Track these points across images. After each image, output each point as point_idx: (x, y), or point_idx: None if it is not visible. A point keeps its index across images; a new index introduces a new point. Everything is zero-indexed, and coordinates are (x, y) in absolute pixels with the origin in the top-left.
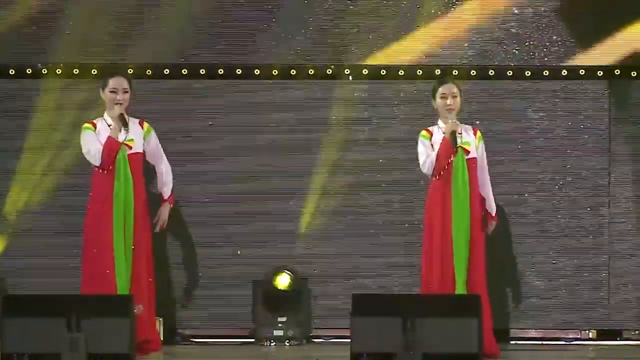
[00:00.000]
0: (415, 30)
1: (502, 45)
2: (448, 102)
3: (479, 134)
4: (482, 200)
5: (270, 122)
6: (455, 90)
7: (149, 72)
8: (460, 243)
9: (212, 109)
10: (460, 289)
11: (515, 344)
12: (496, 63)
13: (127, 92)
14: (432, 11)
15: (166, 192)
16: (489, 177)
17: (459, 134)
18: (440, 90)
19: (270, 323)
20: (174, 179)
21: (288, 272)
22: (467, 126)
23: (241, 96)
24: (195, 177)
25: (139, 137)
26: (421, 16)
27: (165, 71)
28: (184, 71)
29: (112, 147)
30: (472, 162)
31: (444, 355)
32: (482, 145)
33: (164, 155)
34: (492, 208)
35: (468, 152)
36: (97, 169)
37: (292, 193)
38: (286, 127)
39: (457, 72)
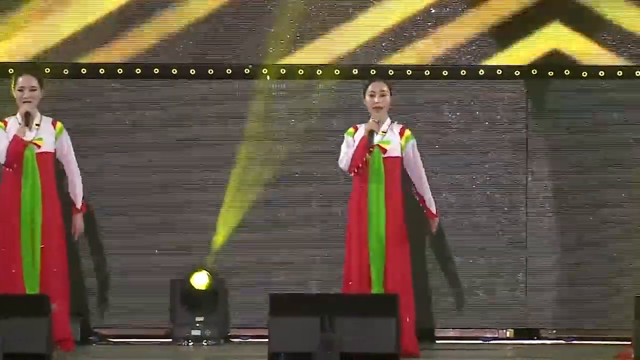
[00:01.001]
0: (334, 30)
1: (420, 44)
2: (376, 100)
3: (407, 133)
4: (422, 199)
5: (192, 116)
6: (384, 88)
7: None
8: (374, 241)
9: (134, 105)
10: (376, 288)
11: (437, 343)
12: (414, 62)
13: (34, 90)
14: (351, 11)
15: (77, 201)
16: (424, 175)
17: (383, 132)
18: (370, 88)
19: (188, 323)
20: (91, 174)
21: (206, 271)
22: (396, 125)
23: (160, 93)
24: (112, 169)
25: (50, 136)
26: (338, 16)
27: (64, 71)
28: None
29: (16, 146)
30: (389, 161)
31: (362, 354)
32: (411, 145)
33: (75, 161)
34: (431, 206)
35: (385, 151)
36: (4, 167)
37: (210, 187)
38: (206, 121)
39: (374, 71)
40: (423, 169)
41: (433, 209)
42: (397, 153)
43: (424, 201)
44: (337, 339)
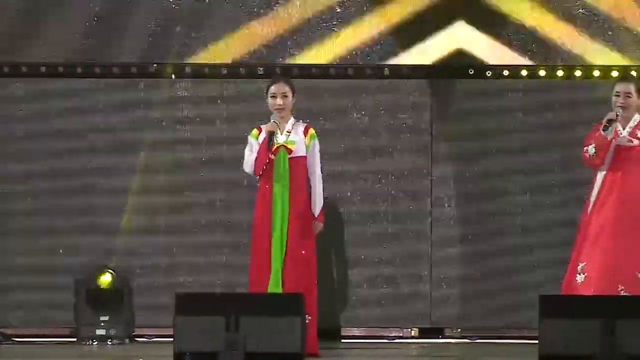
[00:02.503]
0: (240, 29)
1: (326, 44)
2: (278, 101)
3: (311, 132)
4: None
5: (95, 121)
6: (286, 89)
7: None
8: (277, 242)
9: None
10: (273, 287)
11: (341, 342)
12: (319, 62)
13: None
14: (255, 10)
15: None
16: (319, 177)
17: (287, 132)
18: (272, 89)
19: (92, 322)
20: None
21: (110, 270)
22: (300, 124)
23: (64, 97)
24: (21, 174)
25: None
26: (245, 15)
27: None
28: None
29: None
30: (295, 161)
31: (267, 354)
32: (313, 144)
33: None
34: (316, 209)
35: (290, 151)
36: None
37: (116, 190)
38: (111, 127)
39: (279, 70)
40: (320, 172)
41: (316, 212)
42: (303, 152)
43: (311, 204)
44: (242, 338)
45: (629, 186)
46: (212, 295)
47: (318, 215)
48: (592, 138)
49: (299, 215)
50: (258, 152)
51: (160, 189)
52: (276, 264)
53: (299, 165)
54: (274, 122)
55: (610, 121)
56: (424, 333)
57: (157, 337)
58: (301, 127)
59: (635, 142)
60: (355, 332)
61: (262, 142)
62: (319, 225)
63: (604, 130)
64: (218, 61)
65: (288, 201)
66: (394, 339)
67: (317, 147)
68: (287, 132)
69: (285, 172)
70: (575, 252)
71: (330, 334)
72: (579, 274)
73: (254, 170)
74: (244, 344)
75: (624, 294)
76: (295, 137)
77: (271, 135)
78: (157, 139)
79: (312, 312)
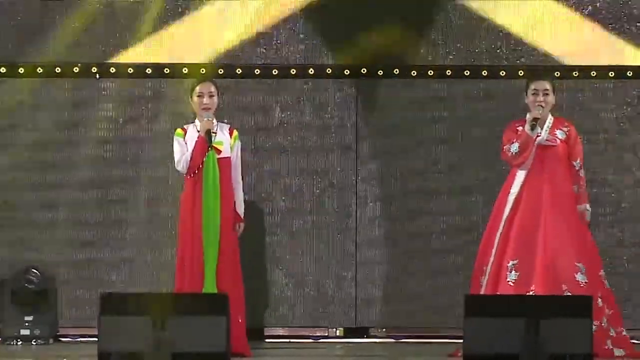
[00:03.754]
0: (164, 29)
1: (251, 43)
2: (205, 100)
3: (235, 133)
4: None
5: (22, 120)
6: (212, 89)
7: None
8: (209, 242)
9: None
10: (209, 288)
11: (267, 342)
12: (243, 62)
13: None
14: (180, 10)
15: None
16: (241, 178)
17: (214, 132)
18: (198, 89)
19: (17, 322)
20: None
21: (35, 270)
22: (224, 125)
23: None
24: None
25: None
26: (170, 15)
27: None
28: None
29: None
30: (224, 162)
31: (193, 354)
32: (237, 145)
33: None
34: (240, 210)
35: (220, 152)
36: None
37: (40, 186)
38: (37, 125)
39: (204, 70)
40: (240, 174)
41: (241, 213)
42: (229, 153)
43: (234, 204)
44: (167, 338)
45: (557, 186)
46: (138, 295)
47: (241, 217)
48: (514, 136)
49: (229, 216)
50: (193, 152)
51: (85, 186)
52: (210, 265)
53: (226, 165)
54: (209, 120)
55: (535, 120)
56: (348, 333)
57: (81, 337)
58: (226, 128)
59: (556, 141)
60: (280, 331)
61: (198, 140)
62: (242, 226)
63: (531, 130)
64: (142, 61)
65: (219, 202)
66: (319, 339)
67: (240, 149)
68: (214, 132)
69: (215, 172)
70: (485, 250)
71: (255, 333)
72: (510, 272)
73: (189, 170)
74: (169, 344)
75: (568, 293)
76: (222, 138)
77: (208, 133)
78: (83, 137)
79: (241, 312)
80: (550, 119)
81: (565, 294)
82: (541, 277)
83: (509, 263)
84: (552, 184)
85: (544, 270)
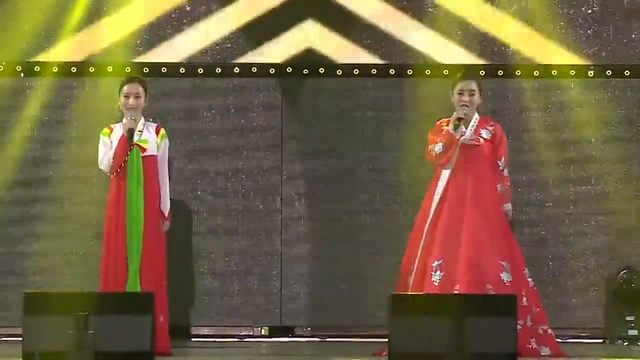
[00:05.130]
0: (90, 28)
1: (176, 41)
2: (130, 101)
3: (162, 132)
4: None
5: None
6: (139, 89)
7: None
8: (133, 240)
9: None
10: (133, 287)
11: (193, 341)
12: (167, 60)
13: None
14: (105, 9)
15: None
16: (167, 177)
17: (139, 131)
18: (125, 89)
19: None
20: None
21: None
22: (151, 124)
23: None
24: None
25: None
26: (95, 14)
27: None
28: None
29: None
30: (148, 160)
31: (117, 353)
32: (164, 144)
33: None
34: (165, 208)
35: (144, 150)
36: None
37: None
38: None
39: (129, 69)
40: (167, 173)
41: (166, 211)
42: (154, 152)
43: (159, 203)
44: (91, 338)
45: (480, 185)
46: (62, 294)
47: (167, 215)
48: (438, 136)
49: (153, 214)
50: (116, 150)
51: (9, 185)
52: (134, 264)
53: (151, 164)
54: (131, 119)
55: (459, 120)
56: (274, 331)
57: (6, 337)
58: (153, 127)
59: (480, 140)
60: (206, 330)
61: (120, 140)
62: (167, 224)
63: (454, 130)
64: (69, 59)
65: (142, 200)
66: (244, 338)
67: (167, 148)
68: (139, 131)
69: (139, 170)
70: (412, 249)
71: (181, 332)
72: (435, 271)
73: (111, 168)
74: (93, 343)
75: (493, 292)
76: (148, 136)
77: (130, 132)
78: (7, 138)
79: (164, 310)
80: (476, 118)
81: (489, 293)
82: (465, 276)
83: (434, 263)
84: (475, 183)
85: (468, 270)
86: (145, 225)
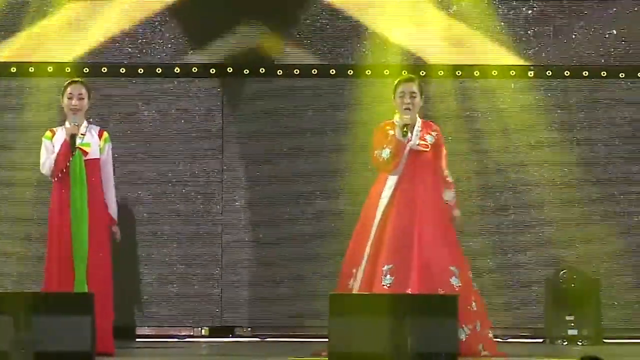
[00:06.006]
0: (31, 28)
1: (116, 42)
2: (74, 102)
3: (105, 135)
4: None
5: None
6: (83, 91)
7: None
8: (78, 243)
9: None
10: (79, 288)
11: (135, 341)
12: (109, 61)
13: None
14: (45, 9)
15: None
16: (112, 180)
17: (82, 134)
18: (68, 90)
19: None
20: None
21: None
22: (94, 126)
23: None
24: None
25: None
26: (38, 14)
27: None
28: None
29: None
30: (91, 163)
31: (57, 353)
32: (108, 147)
33: None
34: (113, 212)
35: (86, 153)
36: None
37: None
38: None
39: (69, 69)
40: (112, 176)
41: (114, 215)
42: (97, 155)
43: (107, 207)
44: (31, 338)
45: (428, 190)
46: (1, 294)
47: (113, 219)
48: (384, 141)
49: (97, 217)
50: (57, 155)
51: None
52: (80, 267)
53: (94, 167)
54: (75, 124)
55: (406, 125)
56: (214, 332)
57: None
58: (96, 130)
59: (428, 146)
60: (147, 331)
61: (62, 144)
62: (117, 229)
63: (402, 136)
64: (6, 60)
65: (86, 203)
66: (185, 338)
67: (110, 151)
68: (82, 134)
69: (82, 174)
70: (353, 253)
71: (125, 332)
72: (385, 275)
73: (52, 172)
74: (33, 344)
75: None
76: (91, 140)
77: (73, 137)
78: None
79: (108, 311)
80: (419, 122)
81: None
82: (417, 281)
83: (383, 267)
84: (423, 189)
85: (420, 275)
86: (90, 227)
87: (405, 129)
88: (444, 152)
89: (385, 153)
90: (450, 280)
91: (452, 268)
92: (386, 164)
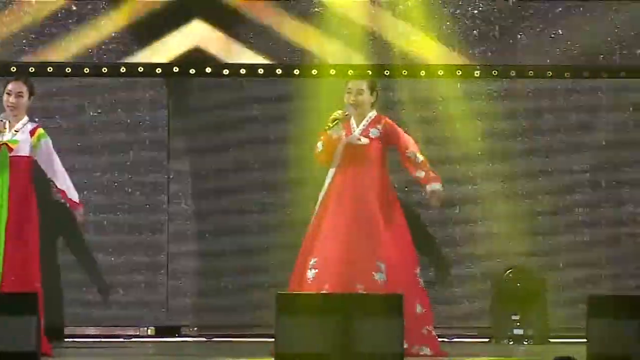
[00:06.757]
0: None
1: (62, 41)
2: (11, 99)
3: (39, 132)
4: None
5: None
6: (23, 89)
7: None
8: None
9: None
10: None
11: (73, 341)
12: (54, 60)
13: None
14: None
15: None
16: (63, 171)
17: (15, 131)
18: (8, 87)
19: None
20: None
21: None
22: (30, 124)
23: None
24: None
25: None
26: None
27: None
28: None
29: None
30: (16, 160)
31: (3, 353)
32: (43, 143)
33: None
34: (73, 196)
35: (11, 150)
36: None
37: None
38: None
39: (14, 69)
40: (62, 167)
41: (75, 199)
42: (25, 152)
43: (65, 194)
44: None
45: (361, 186)
46: None
47: (76, 203)
48: (324, 135)
49: (22, 215)
50: None
51: None
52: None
53: (19, 164)
54: (1, 120)
55: (334, 120)
56: (160, 332)
57: None
58: (30, 127)
59: (365, 140)
60: (92, 331)
61: None
62: (81, 210)
63: (329, 128)
64: None
65: (7, 199)
66: (131, 338)
67: (50, 146)
68: (16, 131)
69: (5, 170)
70: (304, 248)
71: (57, 333)
72: (310, 269)
73: None
74: None
75: (362, 292)
76: (21, 137)
77: None
78: None
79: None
80: (369, 117)
81: (359, 293)
82: (333, 275)
83: (311, 261)
84: (357, 183)
85: (337, 269)
86: (10, 226)
87: (331, 123)
88: (403, 137)
89: (320, 145)
90: (373, 275)
91: (378, 263)
92: (317, 156)
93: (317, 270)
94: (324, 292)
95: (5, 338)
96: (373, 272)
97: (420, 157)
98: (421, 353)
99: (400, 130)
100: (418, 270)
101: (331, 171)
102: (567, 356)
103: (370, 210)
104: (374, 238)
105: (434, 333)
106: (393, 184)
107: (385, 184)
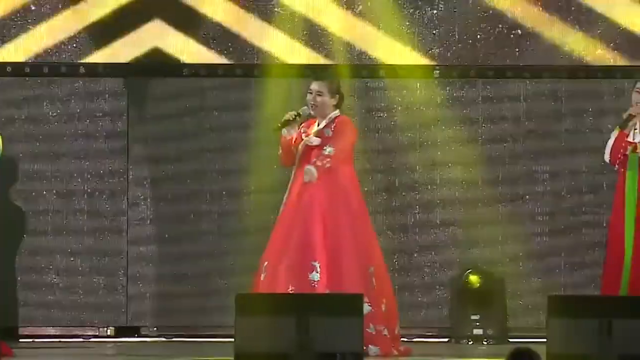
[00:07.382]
0: None
1: (21, 41)
2: None
3: None
4: None
5: None
6: None
7: None
8: None
9: None
10: None
11: (32, 342)
12: (12, 60)
13: None
14: None
15: None
16: None
17: None
18: None
19: None
20: None
21: None
22: None
23: None
24: None
25: None
26: None
27: None
28: None
29: None
30: None
31: None
32: None
33: None
34: None
35: None
36: None
37: None
38: None
39: None
40: None
41: None
42: None
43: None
44: None
45: (308, 187)
46: None
47: None
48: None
49: None
50: None
51: None
52: None
53: None
54: None
55: (286, 121)
56: (119, 332)
57: None
58: None
59: (315, 140)
60: (52, 331)
61: None
62: None
63: (277, 130)
64: None
65: None
66: (90, 338)
67: None
68: None
69: None
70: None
71: (11, 333)
72: (264, 272)
73: None
74: None
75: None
76: None
77: None
78: None
79: None
80: (328, 118)
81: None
82: (283, 277)
83: (264, 264)
84: (316, 185)
85: (279, 272)
86: None
87: (280, 124)
88: (340, 137)
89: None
90: (308, 275)
91: (314, 263)
92: (279, 158)
93: (267, 273)
94: (281, 292)
95: None
96: (308, 273)
97: (328, 151)
98: (370, 354)
99: (348, 130)
100: (372, 270)
101: (292, 173)
102: (526, 347)
103: (310, 209)
104: (313, 238)
105: (385, 332)
106: (363, 187)
107: (335, 185)
